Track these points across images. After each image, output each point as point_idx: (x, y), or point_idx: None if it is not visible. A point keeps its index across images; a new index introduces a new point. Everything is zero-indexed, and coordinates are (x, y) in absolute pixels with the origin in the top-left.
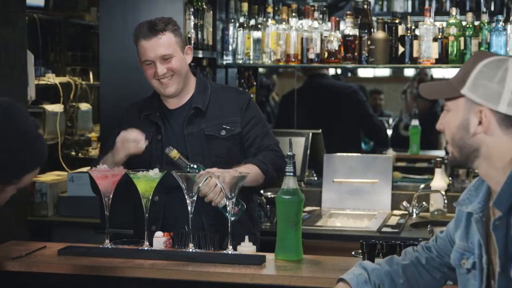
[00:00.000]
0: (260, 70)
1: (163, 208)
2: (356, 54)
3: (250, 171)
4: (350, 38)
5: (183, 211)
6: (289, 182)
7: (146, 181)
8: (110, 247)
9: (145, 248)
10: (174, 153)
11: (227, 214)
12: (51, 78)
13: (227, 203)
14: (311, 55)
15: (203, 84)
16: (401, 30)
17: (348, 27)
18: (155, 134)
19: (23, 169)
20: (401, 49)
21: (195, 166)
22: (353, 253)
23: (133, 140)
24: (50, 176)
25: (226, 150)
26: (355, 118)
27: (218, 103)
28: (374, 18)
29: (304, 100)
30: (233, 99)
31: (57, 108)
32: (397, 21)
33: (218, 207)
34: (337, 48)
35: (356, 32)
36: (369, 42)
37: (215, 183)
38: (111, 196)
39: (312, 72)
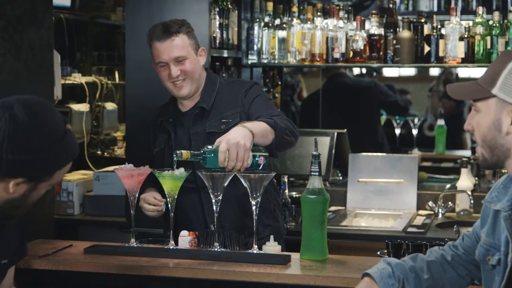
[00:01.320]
0: (285, 69)
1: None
2: (381, 53)
3: (257, 125)
4: (375, 38)
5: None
6: (315, 182)
7: (172, 181)
8: (135, 246)
9: (171, 247)
10: (184, 155)
11: (259, 162)
12: (77, 78)
13: (253, 202)
14: (336, 55)
15: (211, 82)
16: (426, 29)
17: (373, 27)
18: (167, 141)
19: (53, 166)
20: (426, 49)
21: (207, 148)
22: (378, 253)
23: (151, 209)
24: (76, 175)
25: None
26: (378, 111)
27: (221, 100)
28: (399, 17)
29: (328, 100)
30: (235, 92)
31: (83, 107)
32: (422, 20)
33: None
34: (362, 48)
35: (381, 31)
36: (394, 42)
37: (235, 153)
38: (136, 195)
39: (332, 72)
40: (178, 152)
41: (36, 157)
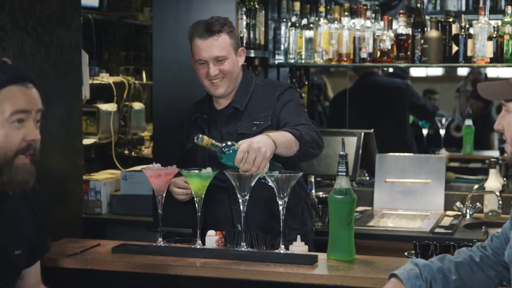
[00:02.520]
0: (312, 69)
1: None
2: (409, 53)
3: (280, 135)
4: (403, 37)
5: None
6: (342, 182)
7: (199, 180)
8: (163, 245)
9: (198, 247)
10: (205, 141)
11: (268, 181)
12: (105, 78)
13: (280, 202)
14: (364, 55)
15: (247, 82)
16: (455, 29)
17: (401, 26)
18: None
19: None
20: (454, 48)
21: (228, 143)
22: (406, 253)
23: (181, 193)
24: (104, 175)
25: None
26: (407, 112)
27: (255, 101)
28: (427, 17)
29: (356, 100)
30: (269, 94)
31: (111, 107)
32: (450, 20)
33: (262, 179)
34: (389, 47)
35: (409, 31)
36: (422, 41)
37: (253, 157)
38: (164, 195)
39: (363, 71)
40: (200, 136)
41: None
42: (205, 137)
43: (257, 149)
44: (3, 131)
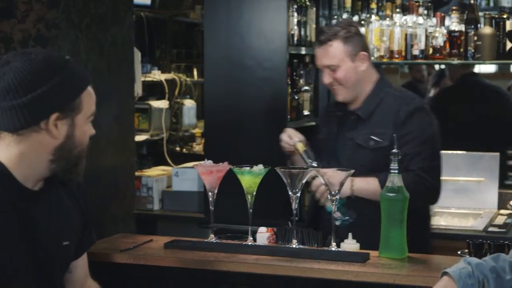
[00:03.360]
0: None
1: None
2: (461, 50)
3: (366, 183)
4: (455, 34)
5: None
6: (394, 180)
7: (251, 177)
8: (214, 241)
9: (249, 243)
10: (299, 146)
11: (336, 218)
12: (157, 75)
13: (331, 204)
14: (416, 51)
15: (379, 90)
16: (509, 25)
17: (453, 23)
18: (329, 132)
19: (70, 90)
20: (508, 45)
21: (314, 165)
22: (459, 252)
23: (285, 140)
24: (155, 171)
25: (371, 160)
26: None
27: (381, 112)
28: (480, 13)
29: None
30: (395, 108)
31: (163, 104)
32: (504, 16)
33: (326, 209)
34: (442, 44)
35: (462, 27)
36: (475, 38)
37: (320, 183)
38: (215, 191)
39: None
40: (299, 140)
41: (49, 86)
42: (301, 143)
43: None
44: (84, 129)
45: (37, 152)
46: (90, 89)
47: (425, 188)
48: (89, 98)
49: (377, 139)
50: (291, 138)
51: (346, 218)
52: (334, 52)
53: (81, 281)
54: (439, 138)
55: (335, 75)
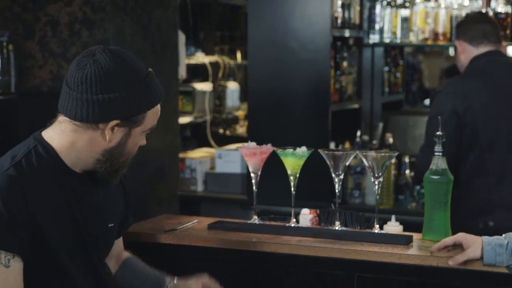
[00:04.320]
0: (407, 49)
1: None
2: (507, 31)
3: None
4: (501, 16)
5: None
6: (438, 162)
7: (294, 159)
8: (258, 223)
9: (292, 225)
10: None
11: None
12: (201, 57)
13: (375, 182)
14: None
15: None
16: None
17: (500, 4)
18: None
19: (140, 105)
20: None
21: None
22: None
23: None
24: (199, 153)
25: None
26: None
27: None
28: None
29: None
30: None
31: (206, 86)
32: None
33: None
34: None
35: (508, 9)
36: None
37: None
38: (259, 173)
39: None
40: None
41: (123, 94)
42: None
43: None
44: (136, 141)
45: (88, 147)
46: (158, 106)
47: (417, 163)
48: (154, 115)
49: None
50: None
51: None
52: None
53: (117, 255)
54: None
55: None
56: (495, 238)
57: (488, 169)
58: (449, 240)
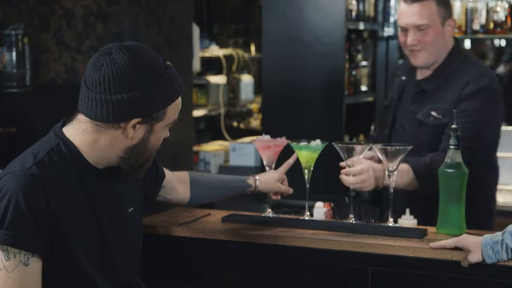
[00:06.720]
0: None
1: None
2: None
3: (401, 177)
4: None
5: None
6: (453, 156)
7: (308, 152)
8: (272, 216)
9: (306, 218)
10: None
11: None
12: (215, 50)
13: (389, 175)
14: (476, 26)
15: (451, 60)
16: None
17: None
18: (394, 99)
19: (161, 100)
20: None
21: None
22: None
23: None
24: (213, 146)
25: (430, 137)
26: None
27: (449, 83)
28: None
29: None
30: (462, 81)
31: (220, 79)
32: None
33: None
34: (503, 19)
35: None
36: None
37: (359, 181)
38: (273, 166)
39: None
40: None
41: (142, 92)
42: None
43: (363, 182)
44: (159, 135)
45: (110, 146)
46: (179, 99)
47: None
48: (175, 109)
49: (436, 115)
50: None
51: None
52: (429, 12)
53: (178, 181)
54: (495, 121)
55: (422, 37)
56: (493, 235)
57: None
58: (449, 244)
